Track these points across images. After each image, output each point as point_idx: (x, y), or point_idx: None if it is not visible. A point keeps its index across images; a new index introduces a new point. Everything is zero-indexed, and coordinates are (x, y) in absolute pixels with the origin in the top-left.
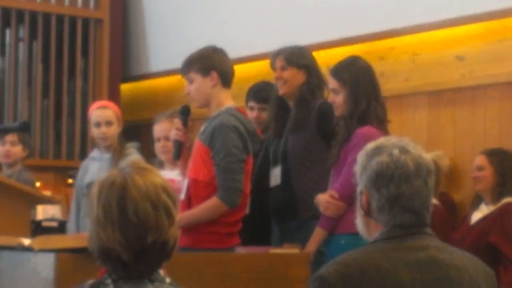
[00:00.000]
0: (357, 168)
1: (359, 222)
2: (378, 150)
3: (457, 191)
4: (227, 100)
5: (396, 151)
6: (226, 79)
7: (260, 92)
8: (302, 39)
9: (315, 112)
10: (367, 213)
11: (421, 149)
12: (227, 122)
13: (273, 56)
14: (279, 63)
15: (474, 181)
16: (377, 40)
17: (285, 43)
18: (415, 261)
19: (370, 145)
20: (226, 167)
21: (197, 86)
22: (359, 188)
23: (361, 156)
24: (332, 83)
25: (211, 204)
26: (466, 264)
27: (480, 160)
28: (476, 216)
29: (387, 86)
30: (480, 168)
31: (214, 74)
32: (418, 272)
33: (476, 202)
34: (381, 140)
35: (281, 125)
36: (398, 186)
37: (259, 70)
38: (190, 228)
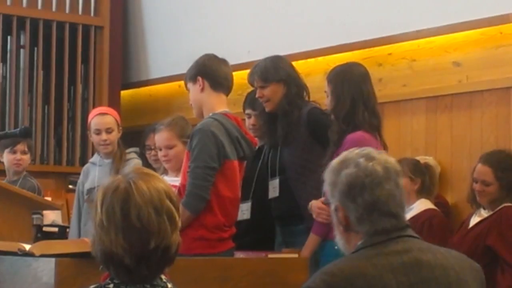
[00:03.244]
0: (326, 186)
1: (340, 240)
2: (344, 164)
3: (454, 195)
4: (219, 105)
5: (362, 160)
6: (214, 81)
7: (256, 100)
8: (300, 46)
9: (304, 121)
10: (347, 227)
11: (386, 154)
12: (205, 127)
13: (249, 76)
14: (256, 83)
15: (477, 194)
16: (375, 46)
17: (283, 49)
18: (400, 264)
19: (334, 161)
20: (192, 172)
21: (191, 94)
22: (333, 206)
23: (328, 174)
24: (325, 85)
25: None
26: (452, 262)
27: (487, 174)
28: (475, 220)
29: (385, 92)
30: (486, 184)
31: (199, 79)
32: (403, 276)
33: (476, 207)
34: (344, 153)
35: (274, 138)
36: (372, 193)
37: None
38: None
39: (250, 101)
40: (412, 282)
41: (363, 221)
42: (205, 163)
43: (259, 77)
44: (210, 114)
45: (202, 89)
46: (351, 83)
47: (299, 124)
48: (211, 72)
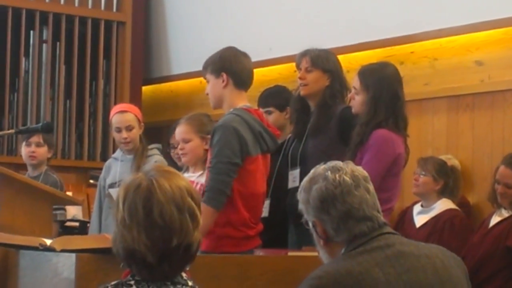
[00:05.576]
0: (301, 205)
1: (323, 255)
2: (313, 180)
3: (475, 195)
4: (240, 102)
5: (329, 173)
6: (238, 80)
7: (266, 98)
8: (322, 43)
9: (336, 117)
10: (327, 239)
11: (352, 164)
12: (227, 123)
13: (300, 56)
14: (304, 63)
15: (499, 195)
16: (397, 45)
17: (305, 47)
18: (384, 258)
19: (304, 180)
20: (213, 167)
21: (211, 87)
22: (310, 224)
23: (300, 194)
24: (355, 82)
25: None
26: (434, 251)
27: (509, 177)
28: (495, 220)
29: (407, 91)
30: (508, 186)
31: (224, 75)
32: (390, 267)
33: (497, 206)
34: (312, 171)
35: (301, 127)
36: (343, 202)
37: (280, 73)
38: (208, 233)
39: (260, 99)
40: (399, 272)
41: (341, 230)
42: (228, 159)
43: (310, 59)
44: (231, 110)
45: (226, 86)
46: (388, 95)
47: (331, 119)
48: (237, 70)
